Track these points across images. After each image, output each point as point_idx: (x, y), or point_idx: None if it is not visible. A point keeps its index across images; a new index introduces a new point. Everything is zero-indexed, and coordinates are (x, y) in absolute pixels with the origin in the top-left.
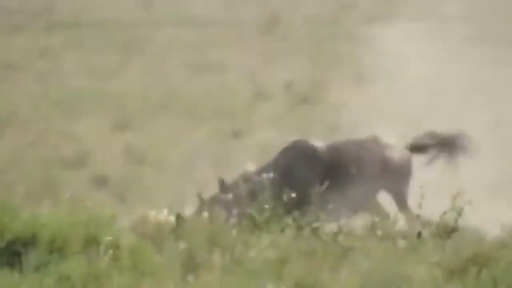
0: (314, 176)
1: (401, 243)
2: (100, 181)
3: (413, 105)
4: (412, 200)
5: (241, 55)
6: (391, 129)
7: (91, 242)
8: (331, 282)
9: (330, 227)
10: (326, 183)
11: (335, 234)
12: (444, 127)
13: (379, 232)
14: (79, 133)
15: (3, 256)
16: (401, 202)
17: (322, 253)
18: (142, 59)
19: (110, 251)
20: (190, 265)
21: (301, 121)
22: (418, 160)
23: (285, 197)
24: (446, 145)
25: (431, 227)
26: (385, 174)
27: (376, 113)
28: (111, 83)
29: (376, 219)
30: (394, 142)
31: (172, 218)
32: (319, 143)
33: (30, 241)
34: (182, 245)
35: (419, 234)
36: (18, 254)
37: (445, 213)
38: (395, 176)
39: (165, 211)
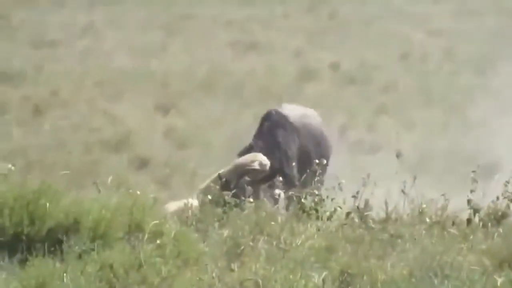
0: (292, 142)
1: (450, 230)
2: (142, 164)
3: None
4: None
5: (287, 34)
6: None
7: (134, 228)
8: (378, 269)
9: (377, 214)
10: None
11: (383, 221)
12: None
13: (428, 219)
14: (121, 115)
15: (44, 244)
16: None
17: (370, 240)
18: (185, 37)
19: (154, 238)
20: (235, 253)
21: (347, 101)
22: None
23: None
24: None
25: (481, 214)
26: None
27: (425, 96)
28: (154, 62)
29: (424, 205)
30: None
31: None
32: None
33: (72, 228)
34: (226, 233)
35: (468, 221)
36: (59, 241)
37: (497, 198)
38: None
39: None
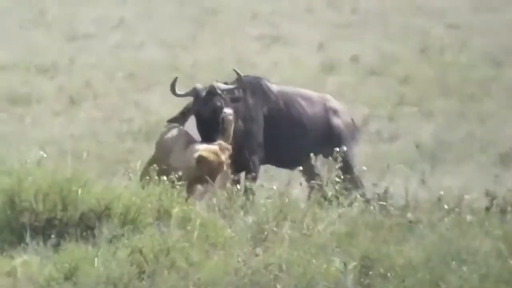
0: (263, 111)
1: (467, 216)
2: None
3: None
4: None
5: (310, 27)
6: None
7: (163, 214)
8: (397, 255)
9: (397, 201)
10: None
11: (402, 208)
12: None
13: (446, 206)
14: (151, 105)
15: (76, 229)
16: (347, 169)
17: (389, 226)
18: (213, 30)
19: (182, 224)
20: (259, 238)
21: (368, 92)
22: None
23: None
24: None
25: (498, 201)
26: (328, 138)
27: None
28: (183, 54)
29: (442, 192)
30: (342, 107)
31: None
32: (272, 84)
33: (103, 214)
34: (251, 218)
35: (487, 209)
36: (91, 227)
37: None
38: (339, 142)
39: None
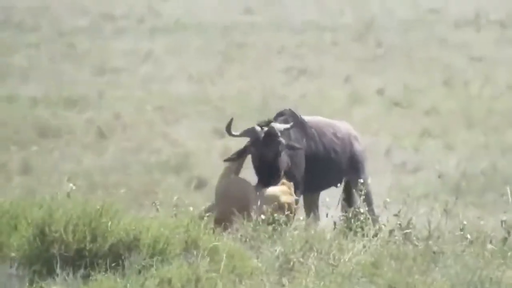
0: (303, 143)
1: (489, 247)
2: (199, 184)
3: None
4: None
5: (336, 60)
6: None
7: (191, 245)
8: (422, 285)
9: (420, 231)
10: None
11: (426, 238)
12: None
13: (468, 236)
14: (179, 137)
15: (106, 259)
16: (367, 199)
17: (413, 256)
18: (241, 64)
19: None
20: (286, 268)
21: (393, 124)
22: None
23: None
24: None
25: None
26: (351, 164)
27: (467, 119)
28: (211, 88)
29: (465, 222)
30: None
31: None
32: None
33: (132, 245)
34: (278, 249)
35: (504, 240)
36: (120, 257)
37: None
38: (360, 169)
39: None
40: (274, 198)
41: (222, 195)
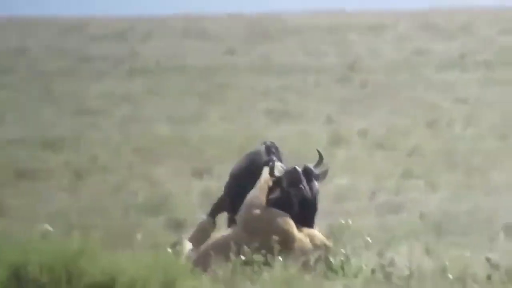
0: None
1: (473, 285)
2: (178, 225)
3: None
4: None
5: (319, 102)
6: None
7: (169, 286)
8: None
9: (401, 270)
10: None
11: (407, 278)
12: None
13: (450, 276)
14: (158, 179)
15: None
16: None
17: None
18: (222, 105)
19: None
20: None
21: (376, 165)
22: None
23: None
24: None
25: (500, 271)
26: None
27: (450, 159)
28: (191, 129)
29: (447, 262)
30: None
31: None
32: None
33: (108, 286)
34: None
35: (488, 277)
36: None
37: None
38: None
39: None
40: (320, 239)
41: (265, 227)
